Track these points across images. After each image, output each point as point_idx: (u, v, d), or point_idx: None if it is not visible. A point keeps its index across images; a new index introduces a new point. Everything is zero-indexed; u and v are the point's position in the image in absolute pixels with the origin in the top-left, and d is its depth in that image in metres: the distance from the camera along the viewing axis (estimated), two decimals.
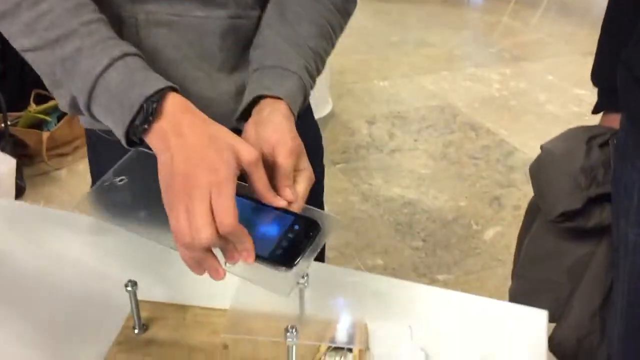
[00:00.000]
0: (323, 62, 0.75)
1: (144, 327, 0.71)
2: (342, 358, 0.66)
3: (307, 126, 0.91)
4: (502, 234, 2.26)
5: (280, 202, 0.59)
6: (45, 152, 2.39)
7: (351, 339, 0.65)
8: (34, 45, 0.62)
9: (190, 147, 0.56)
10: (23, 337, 0.72)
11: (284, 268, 0.56)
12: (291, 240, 0.58)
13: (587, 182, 1.07)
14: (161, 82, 0.60)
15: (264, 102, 0.67)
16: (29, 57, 0.64)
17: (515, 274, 1.30)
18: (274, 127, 0.63)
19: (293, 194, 0.60)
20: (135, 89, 0.59)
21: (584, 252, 1.12)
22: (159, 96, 0.58)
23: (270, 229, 0.58)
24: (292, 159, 0.61)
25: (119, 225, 0.61)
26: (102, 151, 0.88)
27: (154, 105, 0.58)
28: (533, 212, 1.28)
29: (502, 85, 3.53)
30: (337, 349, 0.67)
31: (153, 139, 0.59)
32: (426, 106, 3.25)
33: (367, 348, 0.70)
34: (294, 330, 0.62)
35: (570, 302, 1.17)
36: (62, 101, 0.65)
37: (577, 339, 1.15)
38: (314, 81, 0.73)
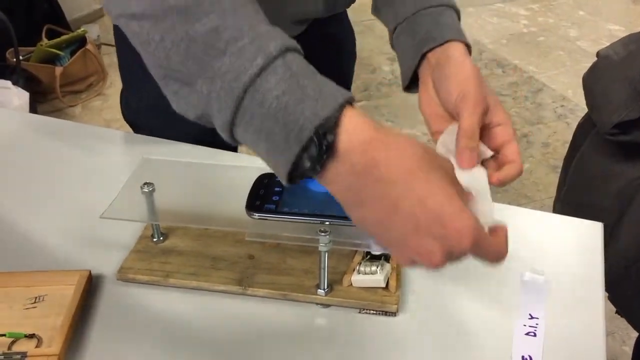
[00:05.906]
0: None
1: (164, 236, 0.66)
2: (379, 267, 0.60)
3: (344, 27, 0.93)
4: (530, 171, 2.17)
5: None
6: (59, 88, 2.33)
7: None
8: (144, 9, 0.42)
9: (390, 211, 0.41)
10: (41, 243, 0.67)
11: None
12: None
13: None
14: (339, 93, 0.41)
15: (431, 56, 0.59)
16: (132, 29, 0.43)
17: (558, 200, 1.22)
18: (456, 78, 0.55)
19: (471, 158, 0.50)
20: (306, 104, 0.39)
21: (637, 174, 1.03)
22: (337, 114, 0.40)
23: None
24: (476, 113, 0.52)
25: (156, 222, 0.64)
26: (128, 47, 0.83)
27: (331, 139, 0.39)
28: (582, 133, 1.19)
29: (530, 20, 3.36)
30: (373, 258, 0.61)
31: (334, 181, 0.41)
32: None
33: None
34: (326, 234, 0.56)
35: (617, 229, 1.09)
36: (185, 104, 0.43)
37: (624, 267, 1.08)
38: None
